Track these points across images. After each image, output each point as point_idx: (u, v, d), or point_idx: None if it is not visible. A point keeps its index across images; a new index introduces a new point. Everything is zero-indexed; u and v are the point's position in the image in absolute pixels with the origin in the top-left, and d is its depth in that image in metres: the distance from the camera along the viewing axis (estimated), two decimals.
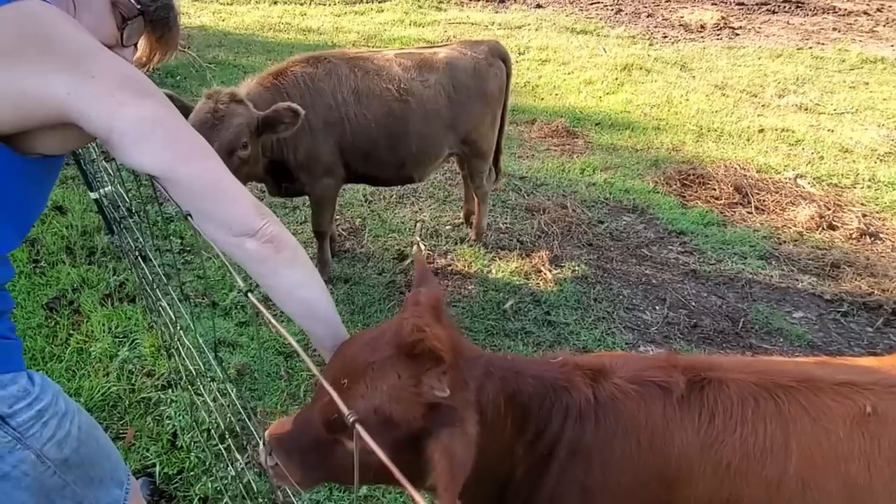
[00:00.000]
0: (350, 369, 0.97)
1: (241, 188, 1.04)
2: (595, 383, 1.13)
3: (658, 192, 4.36)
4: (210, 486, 2.10)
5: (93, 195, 3.27)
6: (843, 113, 5.84)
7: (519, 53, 7.43)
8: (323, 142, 2.80)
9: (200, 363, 2.31)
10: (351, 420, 0.61)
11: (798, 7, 10.31)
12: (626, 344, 2.93)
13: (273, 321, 0.79)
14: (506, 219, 3.98)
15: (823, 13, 10.01)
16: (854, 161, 4.85)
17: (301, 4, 9.53)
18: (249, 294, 0.82)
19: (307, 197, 3.11)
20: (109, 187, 3.22)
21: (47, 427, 1.19)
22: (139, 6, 1.16)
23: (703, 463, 1.07)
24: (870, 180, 4.54)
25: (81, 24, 1.05)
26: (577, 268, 3.49)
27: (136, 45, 1.23)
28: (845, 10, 10.20)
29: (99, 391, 2.45)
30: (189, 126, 1.03)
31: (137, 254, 2.67)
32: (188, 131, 1.03)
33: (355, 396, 0.94)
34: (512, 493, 1.15)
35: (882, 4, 10.44)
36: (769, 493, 1.05)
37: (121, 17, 1.14)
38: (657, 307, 3.22)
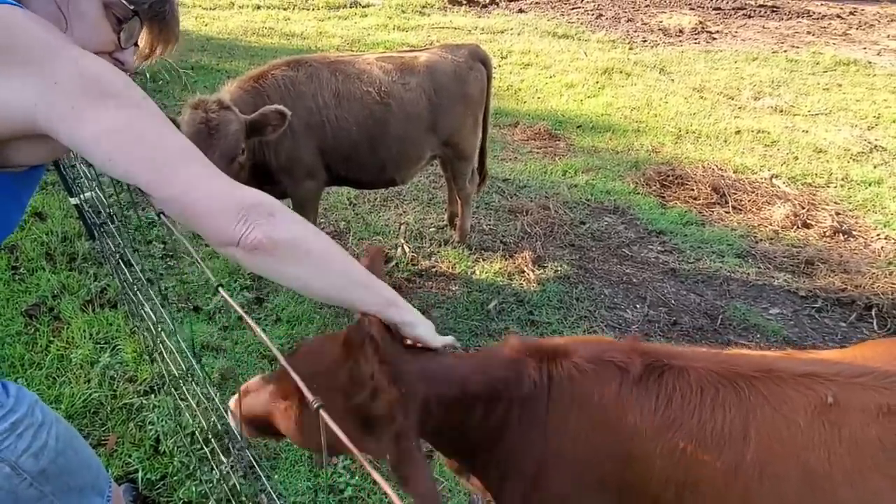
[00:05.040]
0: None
1: (217, 194, 0.93)
2: (553, 362, 1.17)
3: (638, 193, 4.43)
4: (194, 489, 2.09)
5: (73, 200, 3.24)
6: (817, 114, 5.99)
7: (501, 57, 7.50)
8: (304, 144, 2.81)
9: (184, 367, 2.31)
10: (315, 406, 0.64)
11: (773, 11, 10.55)
12: None
13: (247, 317, 0.80)
14: (489, 220, 4.02)
15: (798, 17, 10.26)
16: (828, 161, 4.98)
17: (284, 9, 9.53)
18: (220, 289, 0.82)
19: (290, 200, 3.12)
20: (90, 192, 3.20)
21: (22, 439, 1.19)
22: (132, 6, 1.10)
23: (658, 445, 1.09)
24: (843, 180, 4.67)
25: (74, 32, 1.01)
26: (559, 268, 3.53)
27: (136, 44, 1.17)
28: (819, 13, 10.47)
29: (80, 398, 2.42)
30: (155, 128, 0.94)
31: (119, 259, 2.66)
32: (152, 137, 0.93)
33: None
34: (481, 455, 1.22)
35: (855, 8, 10.73)
36: (726, 479, 1.07)
37: (116, 20, 1.08)
38: (638, 305, 3.28)
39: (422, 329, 1.09)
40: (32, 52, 0.88)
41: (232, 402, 1.17)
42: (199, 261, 0.96)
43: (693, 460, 1.08)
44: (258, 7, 9.55)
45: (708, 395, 1.10)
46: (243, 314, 0.80)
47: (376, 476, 0.56)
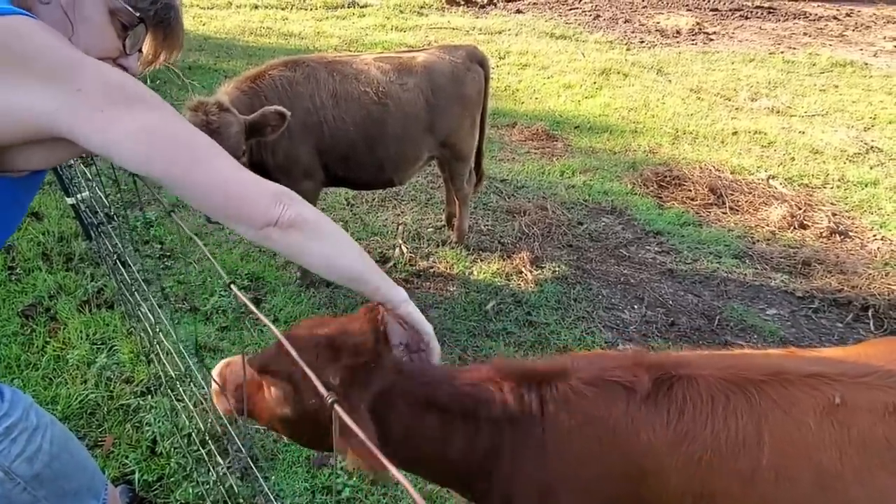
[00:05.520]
0: (300, 338, 1.14)
1: (251, 181, 1.03)
2: (545, 386, 1.15)
3: (636, 194, 4.44)
4: (191, 491, 2.09)
5: (69, 200, 3.23)
6: (813, 115, 6.01)
7: (499, 58, 7.51)
8: (301, 145, 2.81)
9: (181, 368, 2.30)
10: (330, 402, 0.65)
11: (770, 13, 10.58)
12: (606, 343, 2.98)
13: (257, 311, 0.80)
14: (487, 221, 4.02)
15: (795, 18, 10.30)
16: (824, 162, 4.99)
17: (282, 9, 9.52)
18: (233, 286, 0.83)
19: None
20: (86, 192, 3.19)
21: (16, 444, 1.18)
22: (138, 13, 1.11)
23: (673, 459, 1.08)
24: (839, 180, 4.68)
25: (80, 37, 1.02)
26: (557, 268, 3.54)
27: (140, 50, 1.19)
28: (816, 15, 10.50)
29: (76, 399, 2.42)
30: (184, 127, 0.99)
31: (116, 259, 2.65)
32: (184, 135, 0.99)
33: (283, 360, 1.11)
34: (479, 486, 1.21)
35: (851, 10, 10.77)
36: (743, 486, 1.06)
37: (121, 26, 1.09)
38: (635, 306, 3.29)
39: (416, 313, 1.20)
40: (52, 62, 0.90)
41: (215, 372, 1.23)
42: (210, 256, 0.98)
43: (709, 471, 1.07)
44: (256, 7, 9.54)
45: (719, 403, 1.10)
46: (253, 308, 0.80)
47: (392, 469, 0.56)
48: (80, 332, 2.76)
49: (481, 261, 3.58)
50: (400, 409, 1.13)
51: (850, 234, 3.99)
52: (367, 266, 1.16)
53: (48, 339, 2.72)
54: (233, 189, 1.00)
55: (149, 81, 5.80)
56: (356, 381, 1.08)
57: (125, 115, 0.92)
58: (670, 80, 6.92)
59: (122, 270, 2.52)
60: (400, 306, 1.19)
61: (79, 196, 3.19)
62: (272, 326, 0.75)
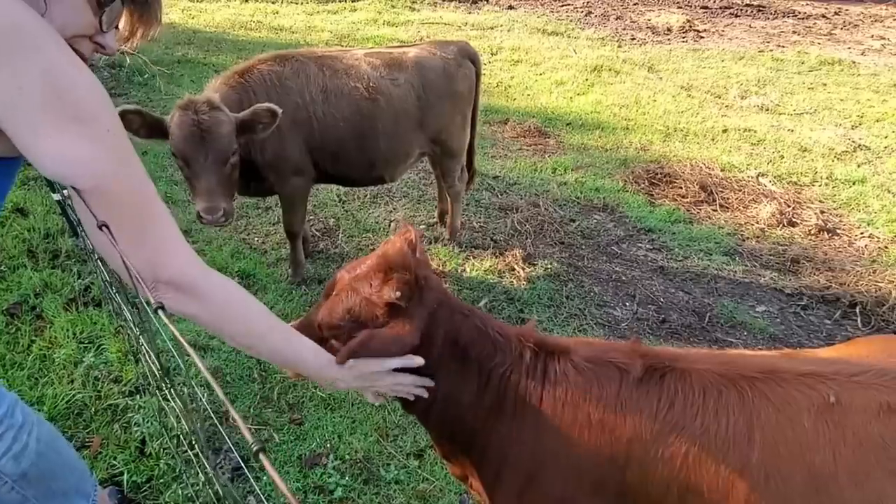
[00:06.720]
0: (340, 282, 1.22)
1: (141, 261, 0.96)
2: (550, 356, 1.18)
3: (627, 191, 4.45)
4: (180, 493, 2.06)
5: (55, 196, 3.18)
6: (802, 113, 6.06)
7: (491, 54, 7.48)
8: (291, 141, 2.78)
9: (160, 369, 2.27)
10: (255, 450, 0.65)
11: (759, 11, 10.65)
12: None
13: (179, 336, 0.75)
14: (479, 218, 4.01)
15: (784, 17, 10.37)
16: (812, 160, 5.03)
17: (273, 3, 9.42)
18: (160, 311, 0.81)
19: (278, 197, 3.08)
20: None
21: (2, 441, 1.16)
22: None
23: (660, 448, 1.09)
24: (827, 178, 4.73)
25: (54, 15, 0.98)
26: (549, 266, 3.54)
27: (117, 27, 1.14)
28: (804, 13, 10.59)
29: (63, 399, 2.38)
30: (119, 162, 0.94)
31: (101, 256, 2.60)
32: (115, 173, 0.93)
33: (337, 303, 1.18)
34: (479, 444, 1.23)
35: (839, 8, 10.87)
36: (731, 482, 1.06)
37: (97, 2, 1.05)
38: (627, 303, 3.30)
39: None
40: (5, 44, 0.85)
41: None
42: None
43: (697, 464, 1.07)
44: (246, 0, 9.43)
45: (711, 397, 1.10)
46: (178, 336, 0.76)
47: None
48: (67, 330, 2.71)
49: (473, 258, 3.57)
50: (440, 331, 1.18)
51: (838, 231, 4.03)
52: (269, 356, 1.15)
53: (34, 338, 2.67)
54: (128, 257, 0.93)
55: (136, 75, 5.72)
56: (414, 295, 1.14)
57: (52, 137, 0.88)
58: (661, 78, 6.94)
59: (108, 267, 2.48)
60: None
61: (65, 192, 3.13)
62: (199, 365, 0.71)
